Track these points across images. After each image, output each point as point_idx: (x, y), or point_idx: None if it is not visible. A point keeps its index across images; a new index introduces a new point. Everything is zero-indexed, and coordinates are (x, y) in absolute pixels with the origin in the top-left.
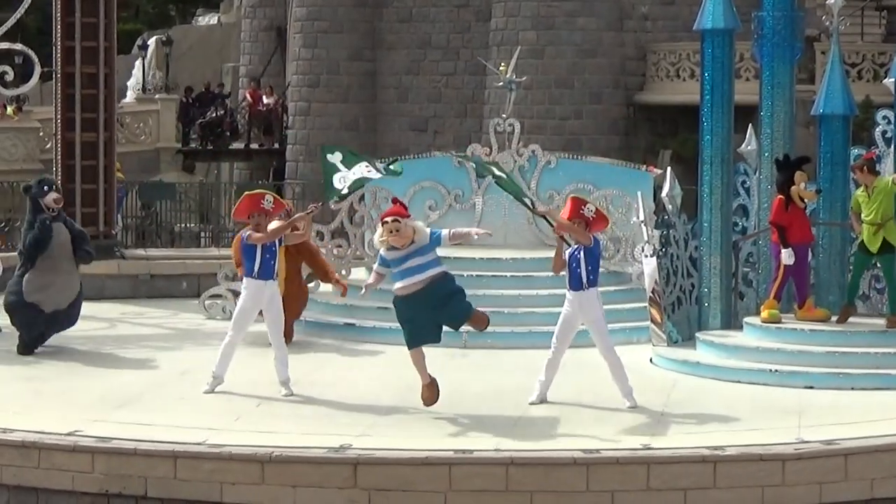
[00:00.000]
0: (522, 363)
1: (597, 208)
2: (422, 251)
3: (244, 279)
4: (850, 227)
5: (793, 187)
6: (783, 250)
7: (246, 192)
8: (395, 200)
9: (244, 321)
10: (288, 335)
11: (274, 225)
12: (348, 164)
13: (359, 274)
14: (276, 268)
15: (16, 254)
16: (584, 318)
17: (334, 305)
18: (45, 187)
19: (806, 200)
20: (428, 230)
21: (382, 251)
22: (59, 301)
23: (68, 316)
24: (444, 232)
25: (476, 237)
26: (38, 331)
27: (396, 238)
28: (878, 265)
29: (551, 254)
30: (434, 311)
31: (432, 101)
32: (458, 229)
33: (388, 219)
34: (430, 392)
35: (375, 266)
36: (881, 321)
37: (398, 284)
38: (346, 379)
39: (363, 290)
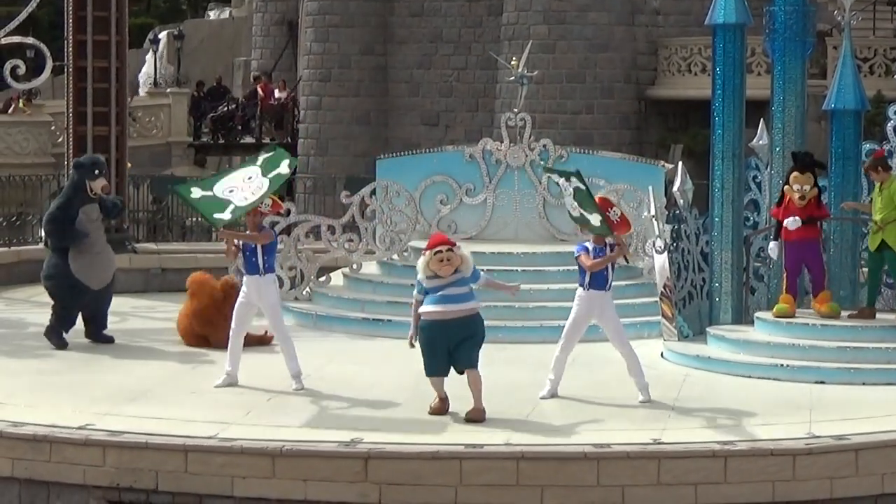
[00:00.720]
0: (533, 358)
1: (622, 213)
2: (463, 281)
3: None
4: (862, 222)
5: (786, 186)
6: (772, 242)
7: None
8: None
9: (240, 316)
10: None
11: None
12: (206, 186)
13: (370, 268)
14: (260, 264)
15: (27, 247)
16: (601, 317)
17: (346, 300)
18: (97, 171)
19: (795, 201)
20: (472, 261)
21: (423, 278)
22: (103, 278)
23: (109, 293)
24: (483, 275)
25: (511, 294)
26: (81, 309)
27: (446, 267)
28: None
29: (561, 248)
30: (452, 345)
31: (444, 96)
32: (496, 281)
33: (442, 248)
34: (439, 408)
35: (415, 293)
36: (893, 317)
37: (431, 308)
38: (357, 373)
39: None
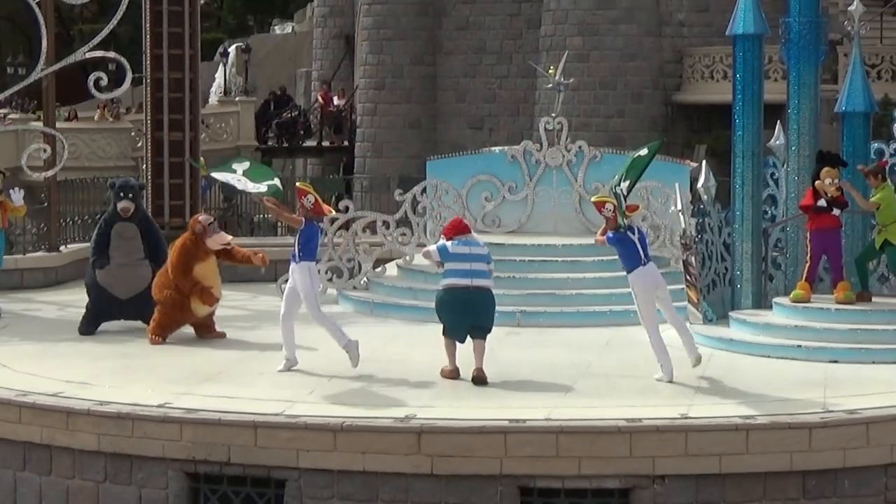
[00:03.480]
0: (570, 340)
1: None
2: (486, 258)
3: None
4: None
5: (817, 181)
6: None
7: (298, 184)
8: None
9: (288, 302)
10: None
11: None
12: (248, 172)
13: (421, 260)
14: (296, 252)
15: None
16: (659, 287)
17: (399, 289)
18: (121, 194)
19: (829, 194)
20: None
21: (451, 245)
22: (127, 289)
23: (139, 307)
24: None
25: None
26: (106, 312)
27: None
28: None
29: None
30: (471, 314)
31: (487, 102)
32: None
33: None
34: (452, 374)
35: (434, 252)
36: (892, 301)
37: (452, 281)
38: (410, 355)
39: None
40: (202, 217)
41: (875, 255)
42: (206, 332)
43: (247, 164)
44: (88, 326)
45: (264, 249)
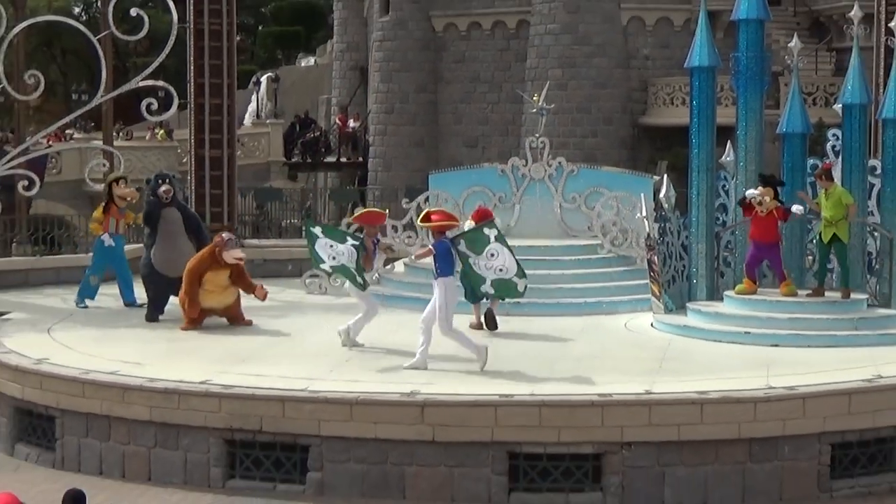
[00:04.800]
0: (551, 327)
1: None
2: None
3: None
4: (816, 215)
5: (748, 200)
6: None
7: (368, 210)
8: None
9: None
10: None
11: None
12: (328, 234)
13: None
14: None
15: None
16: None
17: (406, 283)
18: (160, 181)
19: (760, 208)
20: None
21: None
22: (178, 269)
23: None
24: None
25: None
26: (164, 295)
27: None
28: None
29: (573, 242)
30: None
31: (481, 124)
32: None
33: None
34: (478, 326)
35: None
36: (835, 294)
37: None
38: (414, 340)
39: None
40: (225, 234)
41: (827, 250)
42: (235, 320)
43: (319, 229)
44: (154, 313)
45: (290, 251)
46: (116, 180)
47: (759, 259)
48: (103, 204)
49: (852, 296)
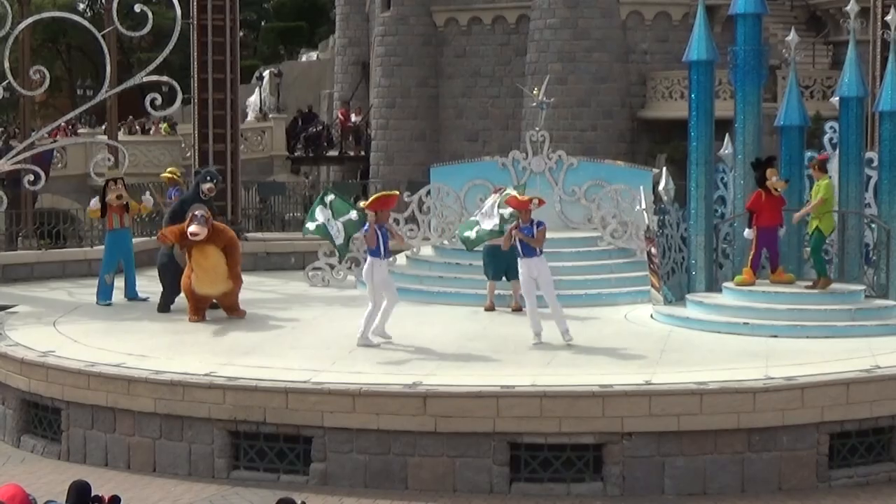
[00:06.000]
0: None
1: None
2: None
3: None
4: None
5: (767, 181)
6: (747, 229)
7: (379, 194)
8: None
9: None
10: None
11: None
12: (336, 206)
13: (426, 251)
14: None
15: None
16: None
17: (408, 275)
18: (208, 177)
19: (779, 189)
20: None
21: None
22: None
23: None
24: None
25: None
26: (179, 286)
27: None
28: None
29: (573, 234)
30: (506, 263)
31: (482, 118)
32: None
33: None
34: (490, 307)
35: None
36: (836, 286)
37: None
38: (416, 332)
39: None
40: (198, 211)
41: (822, 240)
42: (231, 311)
43: (332, 198)
44: (167, 305)
45: (293, 244)
46: (113, 181)
47: (763, 245)
48: (99, 204)
49: (851, 287)
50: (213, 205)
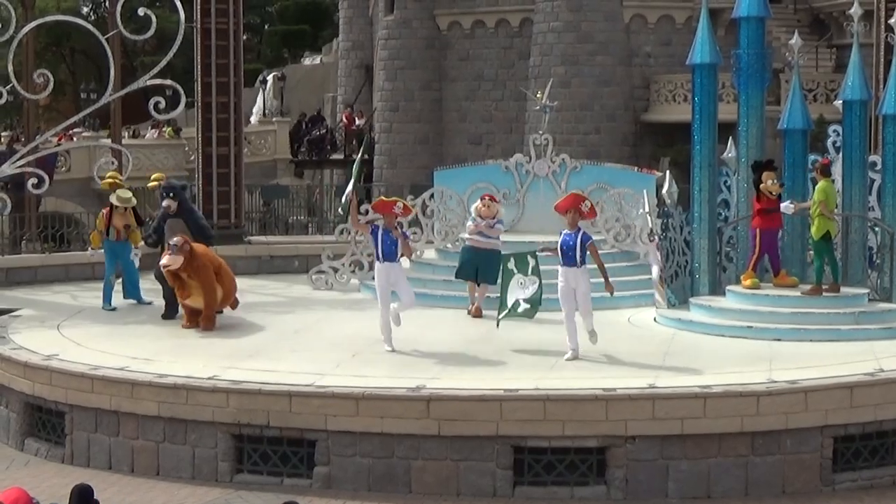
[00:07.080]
0: (555, 322)
1: (591, 204)
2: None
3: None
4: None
5: (762, 185)
6: (787, 203)
7: (381, 198)
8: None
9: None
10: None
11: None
12: (355, 173)
13: (429, 254)
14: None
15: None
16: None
17: (411, 279)
18: (164, 193)
19: (773, 192)
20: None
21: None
22: None
23: None
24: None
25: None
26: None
27: (486, 210)
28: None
29: None
30: (479, 264)
31: (485, 121)
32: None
33: (487, 197)
34: (477, 312)
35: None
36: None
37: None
38: (420, 335)
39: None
40: (174, 239)
41: (830, 245)
42: (206, 321)
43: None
44: (171, 311)
45: (297, 247)
46: (124, 208)
47: (766, 248)
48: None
49: (854, 290)
50: (196, 217)
